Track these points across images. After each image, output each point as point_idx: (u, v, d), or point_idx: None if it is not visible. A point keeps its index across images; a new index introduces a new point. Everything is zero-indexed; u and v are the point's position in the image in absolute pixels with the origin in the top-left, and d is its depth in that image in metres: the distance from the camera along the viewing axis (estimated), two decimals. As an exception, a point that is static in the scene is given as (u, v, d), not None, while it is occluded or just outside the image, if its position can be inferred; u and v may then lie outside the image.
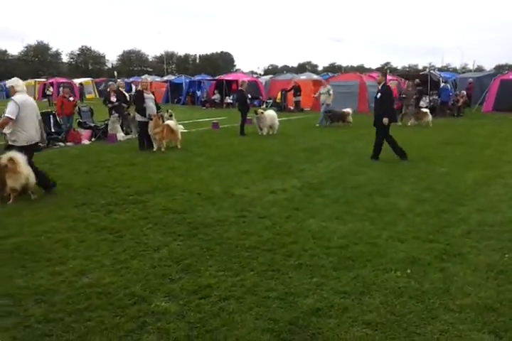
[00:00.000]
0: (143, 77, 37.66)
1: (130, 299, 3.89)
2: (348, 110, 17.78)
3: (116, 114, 14.22)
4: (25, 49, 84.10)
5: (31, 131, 7.15)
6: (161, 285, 4.15)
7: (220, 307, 3.74)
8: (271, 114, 15.47)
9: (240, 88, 16.06)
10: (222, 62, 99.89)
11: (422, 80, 22.66)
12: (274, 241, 5.19)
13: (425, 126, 17.40)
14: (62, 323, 3.52)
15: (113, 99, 14.61)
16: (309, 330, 3.41)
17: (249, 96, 16.28)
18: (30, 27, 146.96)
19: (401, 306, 3.74)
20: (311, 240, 5.21)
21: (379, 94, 9.99)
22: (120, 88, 15.28)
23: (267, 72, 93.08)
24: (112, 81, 23.20)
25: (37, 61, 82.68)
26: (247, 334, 3.35)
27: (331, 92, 17.92)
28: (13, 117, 6.86)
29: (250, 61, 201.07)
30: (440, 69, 49.63)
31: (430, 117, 17.77)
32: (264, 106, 27.32)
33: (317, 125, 17.57)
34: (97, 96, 41.19)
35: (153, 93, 12.67)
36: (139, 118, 11.92)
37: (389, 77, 27.35)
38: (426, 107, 22.76)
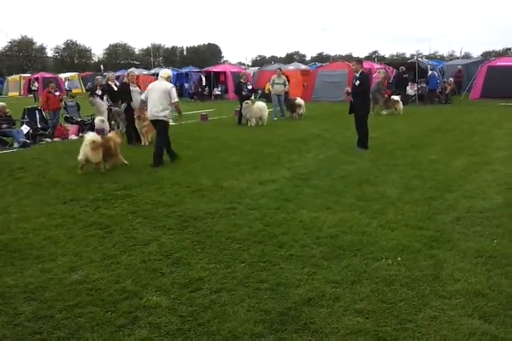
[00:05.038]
0: (130, 70, 37.17)
1: (121, 294, 3.86)
2: (299, 101, 17.08)
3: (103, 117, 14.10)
4: (9, 44, 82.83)
5: (149, 109, 9.04)
6: (151, 279, 4.13)
7: (212, 300, 3.74)
8: (260, 105, 15.34)
9: (240, 80, 16.22)
10: (209, 53, 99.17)
11: (409, 68, 22.69)
12: (264, 232, 5.19)
13: (397, 113, 17.40)
14: (52, 320, 3.50)
15: (98, 92, 14.54)
16: (301, 320, 3.42)
17: (249, 87, 15.94)
18: (13, 21, 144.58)
19: (392, 294, 3.76)
20: (302, 230, 5.21)
21: (358, 82, 9.97)
22: (109, 81, 15.07)
23: (254, 62, 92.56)
24: (98, 75, 22.95)
25: (21, 56, 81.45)
26: (239, 326, 3.35)
27: (287, 83, 17.70)
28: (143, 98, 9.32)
29: (238, 52, 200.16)
30: (428, 57, 49.69)
31: (401, 105, 17.77)
32: (253, 97, 27.15)
33: (275, 119, 16.82)
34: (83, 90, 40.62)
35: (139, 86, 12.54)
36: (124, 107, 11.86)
37: (377, 66, 27.39)
38: (414, 95, 22.93)
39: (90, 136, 8.45)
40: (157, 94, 8.85)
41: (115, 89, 14.57)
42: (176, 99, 8.93)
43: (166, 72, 9.46)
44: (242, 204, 6.26)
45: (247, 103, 15.01)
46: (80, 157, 8.34)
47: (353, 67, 10.52)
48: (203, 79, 30.00)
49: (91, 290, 3.94)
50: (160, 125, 9.01)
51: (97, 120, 13.64)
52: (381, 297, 3.71)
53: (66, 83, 37.65)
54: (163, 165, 8.81)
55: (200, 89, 29.60)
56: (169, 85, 9.01)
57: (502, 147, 10.16)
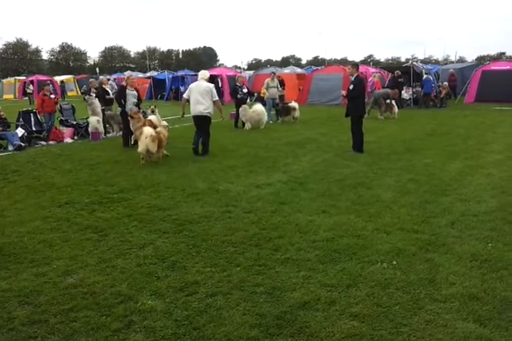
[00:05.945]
0: (126, 73, 37.09)
1: (116, 298, 3.85)
2: (294, 104, 17.09)
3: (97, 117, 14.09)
4: (4, 46, 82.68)
5: (194, 106, 10.09)
6: (147, 283, 4.12)
7: (207, 304, 3.73)
8: (258, 110, 15.32)
9: (235, 83, 16.39)
10: (205, 57, 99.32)
11: (403, 72, 22.78)
12: (260, 235, 5.19)
13: (392, 117, 17.43)
14: (47, 325, 3.48)
15: (92, 94, 14.58)
16: (296, 324, 3.41)
17: (245, 90, 15.87)
18: (8, 24, 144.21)
19: (387, 298, 3.76)
20: (298, 234, 5.22)
21: (352, 86, 10.00)
22: (103, 85, 15.08)
23: (250, 66, 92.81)
24: (93, 77, 22.95)
25: (16, 58, 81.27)
26: (234, 330, 3.34)
27: (279, 87, 17.68)
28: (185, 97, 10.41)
29: (233, 55, 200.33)
30: (423, 61, 49.97)
31: (396, 109, 17.79)
32: (249, 100, 27.17)
33: (270, 122, 16.72)
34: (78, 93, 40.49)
35: (136, 90, 12.49)
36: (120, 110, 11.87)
37: (372, 70, 27.50)
38: (409, 99, 23.03)
39: (148, 129, 9.40)
40: (199, 93, 9.91)
41: (109, 91, 14.64)
42: (216, 97, 10.08)
43: (204, 73, 10.51)
44: (237, 207, 6.26)
45: (243, 107, 15.03)
46: (141, 149, 9.20)
47: (348, 70, 10.54)
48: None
49: (86, 294, 3.93)
50: (205, 120, 10.17)
51: (93, 119, 13.63)
52: (376, 301, 3.72)
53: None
54: (210, 154, 10.25)
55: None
56: (210, 85, 10.17)
57: (497, 151, 10.22)
